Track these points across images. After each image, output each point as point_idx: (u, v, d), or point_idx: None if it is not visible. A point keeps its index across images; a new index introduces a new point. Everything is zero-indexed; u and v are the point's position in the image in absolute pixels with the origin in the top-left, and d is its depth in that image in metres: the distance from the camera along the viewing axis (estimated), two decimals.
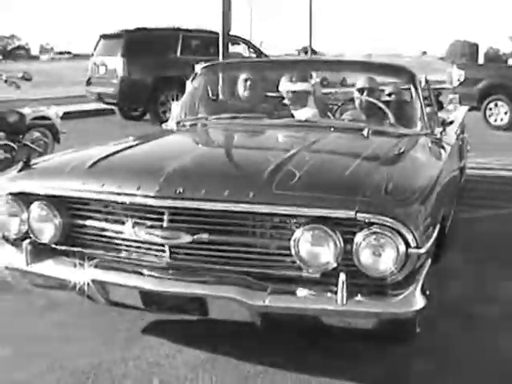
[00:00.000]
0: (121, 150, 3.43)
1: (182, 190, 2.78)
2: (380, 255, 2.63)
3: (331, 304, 2.67)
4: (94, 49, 14.52)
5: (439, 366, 3.09)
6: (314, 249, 2.68)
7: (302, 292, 2.73)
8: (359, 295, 2.68)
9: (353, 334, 3.10)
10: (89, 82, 14.52)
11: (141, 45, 13.48)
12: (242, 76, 4.91)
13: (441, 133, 4.32)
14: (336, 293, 2.67)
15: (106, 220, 3.05)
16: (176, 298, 2.89)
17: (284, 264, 2.79)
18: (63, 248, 3.16)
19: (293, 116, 4.48)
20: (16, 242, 3.27)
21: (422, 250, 2.66)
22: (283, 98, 4.79)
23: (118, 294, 3.06)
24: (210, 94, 5.10)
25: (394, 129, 4.15)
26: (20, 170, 3.36)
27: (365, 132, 3.83)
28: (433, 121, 4.41)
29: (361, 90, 4.69)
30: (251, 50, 15.55)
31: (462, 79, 14.01)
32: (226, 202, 2.73)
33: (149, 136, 4.02)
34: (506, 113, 13.89)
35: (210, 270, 2.86)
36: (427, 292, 2.72)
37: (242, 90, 4.89)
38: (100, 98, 13.82)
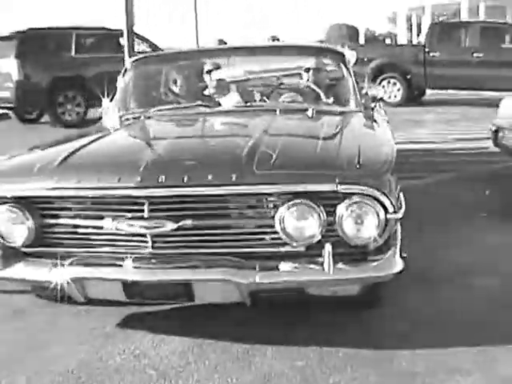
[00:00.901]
0: (83, 147, 3.39)
1: (164, 178, 2.81)
2: (362, 223, 2.78)
3: (319, 275, 2.79)
4: None
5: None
6: (299, 223, 2.79)
7: (289, 266, 2.83)
8: (344, 264, 2.82)
9: (330, 304, 3.25)
10: None
11: (34, 46, 13.07)
12: (172, 69, 4.94)
13: (372, 108, 4.52)
14: (321, 264, 2.80)
15: (82, 216, 3.02)
16: (162, 286, 2.92)
17: (269, 242, 2.89)
18: (37, 250, 3.10)
19: (219, 104, 4.51)
20: None
21: (399, 215, 2.83)
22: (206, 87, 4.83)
23: (98, 290, 3.05)
24: (143, 87, 5.08)
25: (332, 108, 4.31)
26: None
27: (309, 112, 3.97)
28: (364, 98, 4.61)
29: (307, 70, 4.80)
30: (144, 43, 15.38)
31: (354, 60, 14.51)
32: (211, 185, 2.78)
33: (100, 131, 3.97)
34: (398, 90, 14.54)
35: (195, 254, 2.91)
36: (404, 255, 2.90)
37: (174, 81, 4.92)
38: None
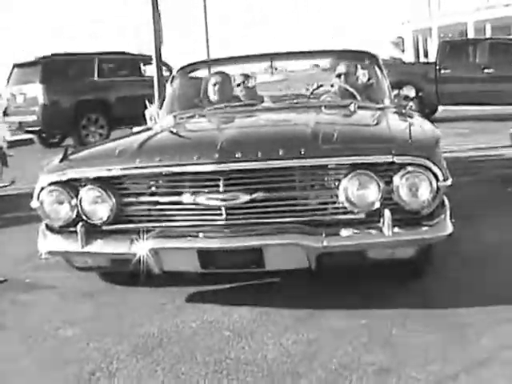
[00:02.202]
0: (154, 135, 3.73)
1: (240, 154, 3.14)
2: (417, 190, 3.10)
3: (379, 237, 3.11)
4: (8, 79, 14.42)
5: None
6: (361, 192, 3.11)
7: (351, 231, 3.15)
8: (400, 228, 3.13)
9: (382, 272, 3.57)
10: (6, 113, 14.37)
11: (58, 70, 13.55)
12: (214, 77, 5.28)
13: (405, 107, 4.87)
14: (380, 229, 3.12)
15: (161, 193, 3.34)
16: (234, 253, 3.23)
17: (333, 210, 3.21)
18: (117, 227, 3.42)
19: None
20: (62, 229, 3.51)
21: (449, 182, 3.15)
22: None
23: (174, 261, 3.36)
24: (188, 92, 5.44)
25: (369, 104, 4.66)
26: (61, 161, 3.59)
27: (351, 107, 4.30)
28: (397, 98, 4.97)
29: (339, 76, 5.16)
30: (165, 68, 15.84)
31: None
32: (282, 159, 3.12)
33: (164, 126, 4.28)
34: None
35: (265, 224, 3.22)
36: (452, 219, 3.22)
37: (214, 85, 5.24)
38: (21, 126, 13.72)
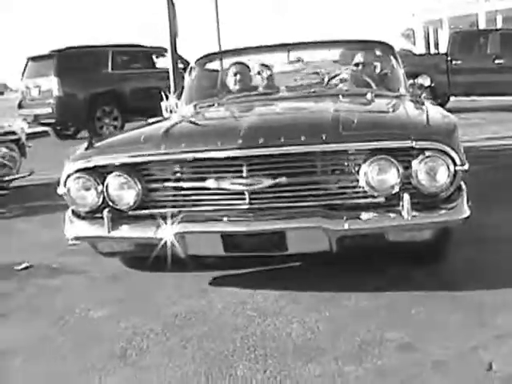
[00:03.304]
0: (177, 123, 3.85)
1: (263, 140, 3.25)
2: (435, 174, 3.21)
3: (399, 220, 3.22)
4: (22, 73, 14.58)
5: None
6: (382, 176, 3.22)
7: (371, 215, 3.26)
8: (419, 211, 3.24)
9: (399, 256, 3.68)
10: (20, 106, 14.56)
11: (72, 63, 13.72)
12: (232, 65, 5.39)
13: (420, 95, 4.97)
14: (399, 212, 3.22)
15: (186, 179, 3.46)
16: (257, 237, 3.34)
17: (354, 194, 3.32)
18: (143, 212, 3.54)
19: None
20: (88, 215, 3.63)
21: (466, 167, 3.25)
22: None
23: (198, 245, 3.47)
24: (207, 82, 5.56)
25: (386, 93, 4.76)
26: (86, 149, 3.72)
27: (368, 96, 4.39)
28: (412, 87, 5.07)
29: (357, 65, 5.27)
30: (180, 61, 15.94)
31: None
32: (304, 144, 3.23)
33: (185, 115, 4.40)
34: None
35: (288, 208, 3.34)
36: (469, 203, 3.32)
37: (234, 74, 5.35)
38: (36, 119, 13.88)
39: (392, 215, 3.25)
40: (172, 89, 10.29)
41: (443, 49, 15.84)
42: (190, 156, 3.37)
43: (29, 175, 8.11)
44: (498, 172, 6.64)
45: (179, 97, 5.38)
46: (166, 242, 3.42)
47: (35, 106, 13.86)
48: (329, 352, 2.80)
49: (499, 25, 26.40)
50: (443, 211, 3.26)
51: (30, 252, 4.86)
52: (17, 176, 8.10)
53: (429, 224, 3.27)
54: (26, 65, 14.49)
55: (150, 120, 4.62)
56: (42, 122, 13.93)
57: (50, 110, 13.41)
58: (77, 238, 3.69)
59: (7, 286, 4.10)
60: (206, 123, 3.98)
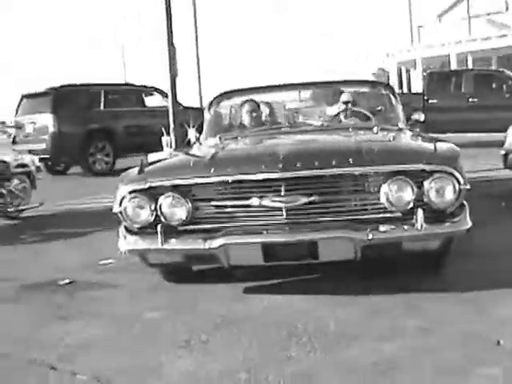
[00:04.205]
0: (218, 152, 4.42)
1: (300, 164, 3.86)
2: (444, 192, 3.84)
3: (413, 231, 3.83)
4: (16, 109, 15.08)
5: None
6: (400, 194, 3.84)
7: (390, 227, 3.86)
8: (429, 224, 3.85)
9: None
10: (15, 141, 15.01)
11: (68, 101, 14.25)
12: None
13: (418, 128, 5.65)
14: (413, 225, 3.83)
15: (230, 198, 4.03)
16: (293, 247, 3.91)
17: (376, 210, 3.93)
18: (192, 227, 4.09)
19: None
20: (141, 231, 4.16)
21: (468, 186, 3.89)
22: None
23: (240, 255, 4.01)
24: (224, 118, 6.15)
25: (389, 126, 5.40)
26: (139, 173, 4.26)
27: (375, 129, 5.01)
28: (409, 121, 5.75)
29: (346, 103, 5.93)
30: (165, 99, 16.59)
31: None
32: (335, 167, 3.84)
33: (214, 145, 4.94)
34: None
35: (319, 222, 3.93)
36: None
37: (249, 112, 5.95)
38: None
39: (407, 227, 3.86)
40: (171, 126, 10.93)
41: (415, 88, 16.74)
42: (235, 178, 3.94)
43: (38, 206, 8.60)
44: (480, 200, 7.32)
45: (200, 131, 5.89)
46: (211, 254, 3.96)
47: (29, 141, 14.29)
48: (360, 337, 3.37)
49: (470, 65, 27.69)
50: (449, 223, 3.89)
51: (65, 271, 5.27)
52: (28, 206, 8.59)
53: (438, 234, 3.89)
54: (20, 101, 14.99)
55: (150, 156, 5.02)
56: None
57: (44, 146, 13.86)
58: (130, 251, 4.21)
59: (57, 297, 4.58)
60: (243, 151, 4.58)
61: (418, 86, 16.61)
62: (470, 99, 15.08)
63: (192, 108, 15.46)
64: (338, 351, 3.22)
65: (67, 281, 4.96)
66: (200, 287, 4.58)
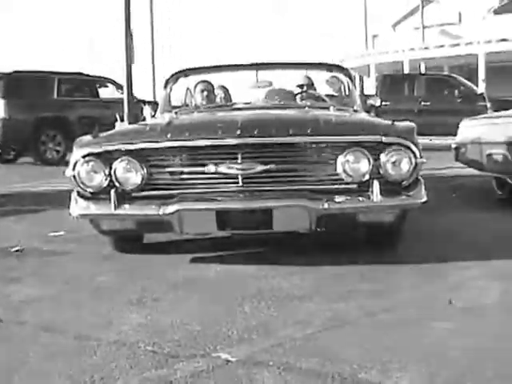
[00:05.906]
0: (174, 119, 4.39)
1: (257, 132, 3.84)
2: (400, 164, 3.88)
3: (369, 202, 3.86)
4: None
5: None
6: (356, 165, 3.86)
7: (346, 198, 3.88)
8: (385, 196, 3.88)
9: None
10: None
11: (19, 87, 13.90)
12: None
13: (373, 112, 5.70)
14: (369, 196, 3.86)
15: (185, 164, 3.99)
16: (247, 214, 3.90)
17: (331, 181, 3.94)
18: (146, 193, 4.03)
19: None
20: (94, 196, 4.08)
21: (424, 160, 3.94)
22: None
23: (193, 223, 3.97)
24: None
25: (344, 107, 5.44)
26: (94, 137, 4.18)
27: (331, 109, 5.04)
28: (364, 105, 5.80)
29: (301, 86, 5.95)
30: (119, 91, 16.39)
31: None
32: (293, 135, 3.84)
33: (174, 115, 4.89)
34: None
35: (275, 191, 3.91)
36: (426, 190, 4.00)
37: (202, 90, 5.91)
38: None
39: (363, 199, 3.88)
40: (126, 114, 10.79)
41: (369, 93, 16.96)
42: (191, 144, 3.91)
43: None
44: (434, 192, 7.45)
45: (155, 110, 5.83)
46: (164, 220, 3.91)
47: None
48: (314, 298, 3.40)
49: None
50: (405, 196, 3.93)
51: (17, 241, 5.12)
52: None
53: (394, 206, 3.93)
54: None
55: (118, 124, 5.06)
56: None
57: None
58: (82, 216, 4.12)
59: (9, 262, 4.50)
60: (200, 118, 4.54)
61: (371, 92, 16.89)
62: (423, 103, 15.35)
63: (146, 101, 15.29)
64: (292, 309, 3.24)
65: (18, 247, 4.86)
66: (152, 256, 4.54)
